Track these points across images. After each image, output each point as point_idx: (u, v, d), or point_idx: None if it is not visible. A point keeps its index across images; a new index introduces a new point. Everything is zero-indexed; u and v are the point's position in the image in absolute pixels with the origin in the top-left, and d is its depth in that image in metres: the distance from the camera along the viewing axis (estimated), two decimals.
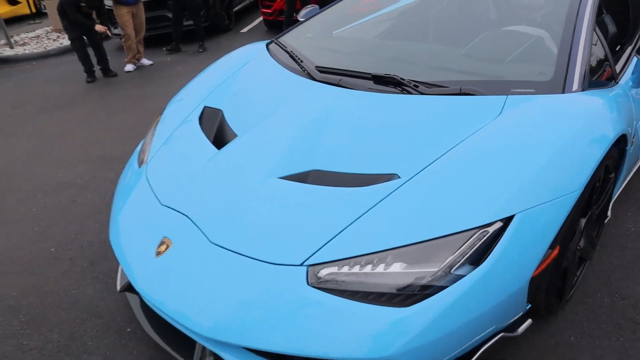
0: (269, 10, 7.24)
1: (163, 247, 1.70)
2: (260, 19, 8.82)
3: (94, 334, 2.03)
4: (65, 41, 8.03)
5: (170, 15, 7.09)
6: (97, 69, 5.94)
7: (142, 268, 1.71)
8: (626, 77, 2.22)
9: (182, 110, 2.41)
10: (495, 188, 1.46)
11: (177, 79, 5.64)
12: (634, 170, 2.46)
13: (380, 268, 1.39)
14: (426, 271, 1.35)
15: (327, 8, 3.06)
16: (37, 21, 10.23)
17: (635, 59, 2.16)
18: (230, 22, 8.01)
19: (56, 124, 4.57)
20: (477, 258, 1.36)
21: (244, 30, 8.04)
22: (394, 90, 2.03)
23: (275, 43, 2.77)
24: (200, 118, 2.29)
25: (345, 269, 1.42)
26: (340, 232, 1.50)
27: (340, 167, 1.75)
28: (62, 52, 7.71)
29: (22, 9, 10.48)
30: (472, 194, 1.46)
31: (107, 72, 5.93)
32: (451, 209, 1.43)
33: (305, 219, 1.57)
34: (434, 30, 2.65)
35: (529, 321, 1.63)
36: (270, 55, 2.64)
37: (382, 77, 2.07)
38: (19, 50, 7.72)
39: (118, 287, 2.04)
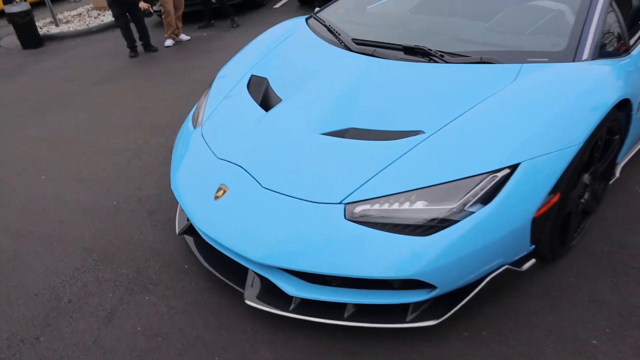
0: None
1: (220, 192, 2.02)
2: None
3: (157, 269, 2.39)
4: (105, 18, 8.43)
5: None
6: (138, 44, 6.30)
7: (202, 210, 2.03)
8: (639, 49, 2.39)
9: (231, 79, 2.71)
10: (505, 140, 1.71)
11: (215, 53, 5.94)
12: None
13: (406, 205, 1.67)
14: (444, 208, 1.63)
15: None
16: (77, 0, 10.68)
17: None
18: None
19: (107, 96, 4.97)
20: (486, 198, 1.63)
21: (277, 6, 8.25)
22: (422, 59, 2.28)
23: (314, 18, 3.02)
24: (248, 85, 2.58)
25: (376, 206, 1.71)
26: (373, 177, 1.79)
27: (373, 125, 2.02)
28: (103, 28, 8.12)
29: None
30: (484, 145, 1.72)
31: (148, 47, 6.28)
32: (466, 157, 1.70)
33: (342, 167, 1.86)
34: (461, 5, 2.84)
35: (533, 260, 1.89)
36: (310, 29, 2.90)
37: (411, 48, 2.32)
38: (63, 28, 8.17)
39: (177, 231, 2.40)
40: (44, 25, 8.38)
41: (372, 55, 2.40)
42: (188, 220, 2.35)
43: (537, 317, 1.85)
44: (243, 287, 2.01)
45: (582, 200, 2.10)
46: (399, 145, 1.87)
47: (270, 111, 2.30)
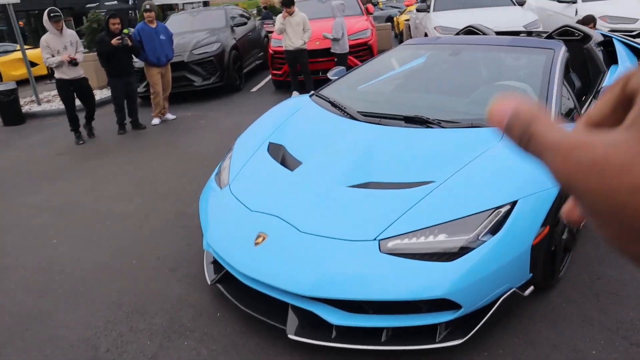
0: (279, 72, 8.13)
1: (260, 239, 2.30)
2: (266, 80, 9.77)
3: (190, 318, 2.55)
4: None
5: (188, 75, 7.95)
6: (127, 121, 6.62)
7: (244, 256, 2.29)
8: None
9: (250, 146, 3.08)
10: (503, 183, 2.14)
11: (203, 130, 6.34)
12: None
13: (430, 238, 2.01)
14: (462, 238, 1.99)
15: (353, 70, 3.85)
16: (52, 81, 11.01)
17: None
18: (241, 82, 8.89)
19: (103, 168, 5.17)
20: (495, 229, 2.01)
21: (254, 89, 8.91)
22: (420, 126, 2.74)
23: (317, 96, 3.51)
24: (268, 150, 2.95)
25: (405, 240, 2.04)
26: (399, 217, 2.14)
27: (389, 178, 2.41)
28: (82, 108, 8.39)
29: (41, 70, 11.31)
30: (487, 188, 2.13)
31: (137, 124, 6.60)
32: (474, 198, 2.10)
33: (371, 211, 2.21)
34: (441, 85, 3.41)
35: (532, 287, 2.24)
36: (316, 104, 3.36)
37: (412, 117, 2.79)
38: (45, 107, 8.41)
39: (209, 281, 2.60)
40: (25, 104, 8.58)
41: (378, 123, 2.85)
42: (222, 270, 2.57)
43: (542, 336, 2.17)
44: (281, 324, 2.22)
45: (563, 237, 2.53)
46: (416, 191, 2.25)
47: (296, 170, 2.65)
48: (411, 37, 11.25)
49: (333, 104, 3.24)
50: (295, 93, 7.50)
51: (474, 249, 1.97)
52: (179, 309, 2.63)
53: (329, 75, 4.13)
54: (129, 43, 5.98)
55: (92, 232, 3.63)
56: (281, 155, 2.88)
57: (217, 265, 2.67)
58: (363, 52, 8.17)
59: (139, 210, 3.94)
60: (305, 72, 7.42)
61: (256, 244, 2.28)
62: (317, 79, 8.11)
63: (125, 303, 2.72)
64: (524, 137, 0.25)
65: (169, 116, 7.01)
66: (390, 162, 2.52)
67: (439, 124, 2.69)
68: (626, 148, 0.21)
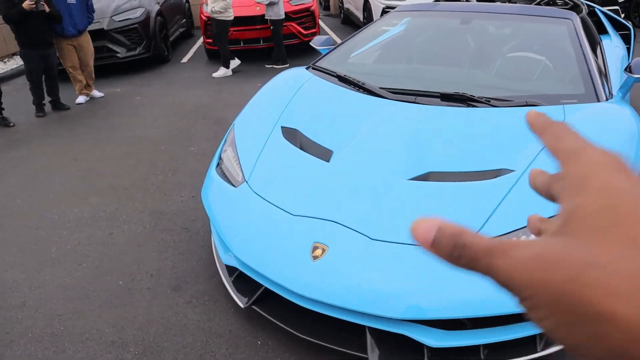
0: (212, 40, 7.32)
1: (319, 252, 1.86)
2: (194, 49, 8.85)
3: (224, 352, 2.05)
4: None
5: (110, 46, 6.86)
6: (46, 101, 5.52)
7: (301, 275, 1.84)
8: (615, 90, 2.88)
9: (257, 131, 2.55)
10: None
11: (140, 109, 5.49)
12: None
13: (524, 238, 1.74)
14: None
15: (347, 40, 3.41)
16: None
17: (625, 76, 2.81)
18: (168, 52, 7.93)
19: (33, 159, 4.22)
20: None
21: (184, 60, 8.01)
22: (459, 105, 2.43)
23: (317, 69, 3.03)
24: (283, 136, 2.45)
25: None
26: (490, 216, 1.82)
27: (452, 167, 2.08)
28: None
29: None
30: None
31: (58, 105, 5.53)
32: None
33: (450, 209, 1.87)
34: (461, 58, 3.11)
35: None
36: (322, 79, 2.89)
37: (450, 95, 2.46)
38: None
39: (241, 303, 2.11)
40: None
41: (414, 102, 2.49)
42: (255, 288, 2.09)
43: None
44: (353, 349, 1.85)
45: None
46: (497, 183, 1.95)
47: (334, 161, 2.21)
48: (342, 4, 10.81)
49: (343, 79, 2.80)
50: (234, 62, 6.81)
51: None
52: (205, 341, 2.11)
53: (314, 44, 3.65)
54: (46, 8, 4.88)
55: (47, 248, 2.87)
56: (298, 142, 2.42)
57: (242, 282, 2.19)
58: (305, 18, 7.64)
59: (101, 213, 3.22)
60: (218, 43, 6.72)
61: (314, 257, 1.85)
62: (258, 48, 7.46)
63: (130, 341, 2.14)
64: (455, 250, 0.26)
65: (96, 93, 5.99)
66: (446, 148, 2.18)
67: (487, 102, 2.40)
68: (561, 246, 0.24)
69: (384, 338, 1.82)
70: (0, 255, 2.82)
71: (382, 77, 2.88)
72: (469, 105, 2.41)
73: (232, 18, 6.57)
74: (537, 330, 1.76)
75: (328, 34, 9.24)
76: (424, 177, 2.04)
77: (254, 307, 2.09)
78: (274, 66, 7.03)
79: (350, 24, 10.31)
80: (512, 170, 1.99)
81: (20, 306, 2.39)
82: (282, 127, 2.53)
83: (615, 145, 2.03)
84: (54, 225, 3.11)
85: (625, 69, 2.74)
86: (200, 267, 2.59)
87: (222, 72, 6.79)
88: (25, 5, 4.71)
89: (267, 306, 2.08)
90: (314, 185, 2.11)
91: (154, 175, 3.72)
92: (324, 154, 2.26)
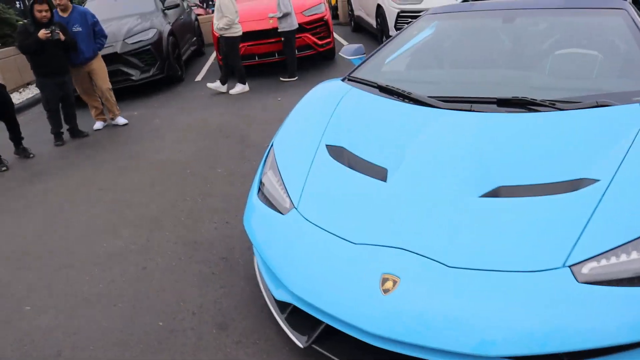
0: None
1: (389, 284, 1.65)
2: (207, 67, 8.78)
3: None
4: None
5: (124, 69, 6.77)
6: (64, 129, 5.40)
7: (368, 309, 1.63)
8: None
9: (301, 153, 2.35)
10: None
11: (160, 132, 5.35)
12: None
13: (623, 257, 1.52)
14: None
15: (382, 47, 3.21)
16: None
17: None
18: (182, 72, 7.83)
19: (56, 192, 4.07)
20: None
21: (198, 79, 7.91)
22: (519, 110, 2.21)
23: (354, 80, 2.84)
24: (330, 155, 2.26)
25: (603, 262, 1.53)
26: (582, 232, 1.60)
27: (522, 180, 1.85)
28: None
29: None
30: None
31: (76, 132, 5.42)
32: None
33: (535, 228, 1.65)
34: (511, 58, 2.88)
35: None
36: (362, 90, 2.69)
37: (508, 100, 2.24)
38: None
39: (300, 343, 1.91)
40: None
41: (469, 110, 2.28)
42: (315, 326, 1.88)
43: None
44: None
45: None
46: (584, 195, 1.72)
47: (391, 180, 2.00)
48: (352, 12, 10.67)
49: (386, 89, 2.60)
50: (239, 86, 6.62)
51: None
52: None
53: (344, 54, 3.47)
54: (61, 37, 4.78)
55: (79, 288, 2.69)
56: (347, 160, 2.22)
57: (296, 317, 1.99)
58: (320, 28, 7.49)
59: (132, 247, 3.04)
60: (230, 61, 6.58)
61: (384, 291, 1.64)
62: (274, 61, 7.33)
63: None
64: None
65: (120, 120, 5.78)
66: (513, 158, 1.95)
67: (552, 105, 2.18)
68: None
69: None
70: (31, 299, 2.65)
71: (427, 85, 2.68)
72: (529, 110, 2.20)
73: (240, 34, 6.44)
74: None
75: (342, 43, 9.08)
76: (495, 193, 1.82)
77: (314, 346, 1.88)
78: (284, 79, 6.85)
79: (362, 31, 10.16)
80: (597, 180, 1.76)
81: (56, 356, 2.20)
82: (326, 145, 2.34)
83: None
84: (84, 262, 2.93)
85: None
86: (245, 301, 2.39)
87: (239, 88, 6.65)
88: (40, 34, 4.61)
89: (326, 343, 1.88)
90: (374, 208, 1.91)
91: (183, 202, 3.54)
92: (379, 173, 2.06)
